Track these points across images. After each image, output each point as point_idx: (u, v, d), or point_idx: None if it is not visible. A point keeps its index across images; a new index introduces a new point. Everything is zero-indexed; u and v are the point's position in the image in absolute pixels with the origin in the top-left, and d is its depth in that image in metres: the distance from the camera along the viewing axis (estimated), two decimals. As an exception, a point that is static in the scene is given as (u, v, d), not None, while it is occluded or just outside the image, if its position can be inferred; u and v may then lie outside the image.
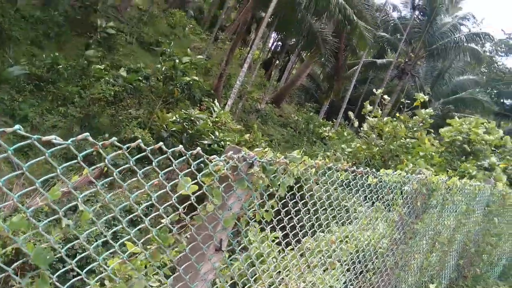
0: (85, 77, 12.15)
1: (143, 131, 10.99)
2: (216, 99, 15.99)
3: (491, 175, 8.53)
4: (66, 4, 15.26)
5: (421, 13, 30.42)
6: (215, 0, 36.08)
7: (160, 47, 18.82)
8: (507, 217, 6.28)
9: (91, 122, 11.48)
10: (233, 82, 19.01)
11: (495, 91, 43.15)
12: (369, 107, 11.16)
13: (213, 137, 9.82)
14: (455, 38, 30.02)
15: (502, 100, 43.39)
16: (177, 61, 12.33)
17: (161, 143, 1.65)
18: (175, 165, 1.76)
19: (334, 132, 10.99)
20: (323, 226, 2.96)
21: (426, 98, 11.25)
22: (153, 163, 1.64)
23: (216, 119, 10.92)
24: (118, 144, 1.51)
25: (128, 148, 1.52)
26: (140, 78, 11.56)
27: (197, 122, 9.62)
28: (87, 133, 1.41)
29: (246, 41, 36.89)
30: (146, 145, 1.57)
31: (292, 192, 2.52)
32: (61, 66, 12.03)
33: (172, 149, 1.76)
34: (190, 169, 1.86)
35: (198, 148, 1.85)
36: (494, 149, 11.72)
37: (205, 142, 9.59)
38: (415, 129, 11.44)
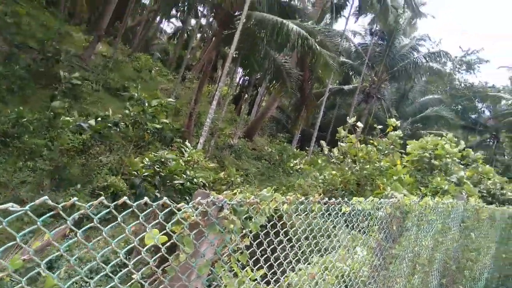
0: (52, 128, 11.96)
1: (116, 177, 10.81)
2: (188, 139, 15.96)
3: (462, 189, 8.72)
4: (28, 58, 15.17)
5: (380, 38, 31.51)
6: (180, 40, 36.58)
7: (127, 91, 18.79)
8: (483, 231, 6.37)
9: (62, 173, 11.24)
10: (204, 120, 19.05)
11: (460, 107, 44.61)
12: (343, 132, 11.35)
13: (185, 176, 9.75)
14: (415, 59, 31.17)
15: (467, 115, 44.83)
16: (146, 105, 12.31)
17: (125, 198, 1.63)
18: (142, 218, 1.74)
19: (306, 162, 11.07)
20: (301, 260, 2.93)
21: (398, 123, 11.49)
22: (119, 219, 1.61)
23: (188, 158, 10.88)
24: (80, 204, 1.48)
25: (90, 206, 1.49)
26: (108, 125, 11.46)
27: (169, 163, 9.55)
28: (46, 197, 1.39)
29: (213, 78, 37.27)
30: (119, 192, 1.54)
31: (266, 230, 2.51)
32: (26, 120, 11.84)
33: (137, 202, 1.73)
34: (158, 220, 1.83)
35: (165, 198, 1.83)
36: (459, 160, 12.04)
37: (178, 182, 9.50)
38: (386, 152, 11.64)
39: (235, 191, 2.31)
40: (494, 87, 43.98)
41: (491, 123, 41.37)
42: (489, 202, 10.50)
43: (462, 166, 11.76)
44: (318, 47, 16.12)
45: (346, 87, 33.31)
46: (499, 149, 42.21)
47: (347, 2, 27.86)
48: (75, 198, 1.48)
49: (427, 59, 31.35)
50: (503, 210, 7.55)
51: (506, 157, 40.18)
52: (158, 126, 11.96)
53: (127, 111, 12.11)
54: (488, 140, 42.01)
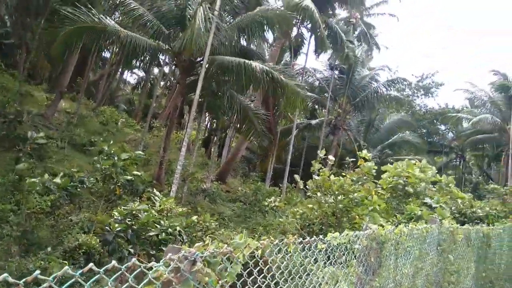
0: (18, 192, 11.59)
1: (88, 235, 10.45)
2: (159, 188, 15.74)
3: (434, 212, 8.84)
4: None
5: (340, 72, 32.48)
6: (144, 90, 36.70)
7: (94, 146, 18.53)
8: (461, 252, 6.43)
9: (30, 238, 10.79)
10: (175, 167, 18.89)
11: (424, 130, 46.01)
12: (317, 165, 11.42)
13: (159, 226, 9.53)
14: (375, 88, 32.25)
15: (431, 138, 46.23)
16: (115, 158, 12.13)
17: (91, 264, 1.58)
18: (111, 283, 1.67)
19: (281, 200, 11.07)
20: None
21: (370, 155, 11.67)
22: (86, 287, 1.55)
23: (160, 207, 10.68)
24: (43, 277, 1.42)
25: (54, 278, 1.43)
26: (76, 182, 11.20)
27: (140, 216, 9.33)
28: (6, 274, 1.32)
29: (181, 124, 37.30)
30: (92, 250, 1.48)
31: (243, 279, 2.45)
32: (-11, 186, 11.44)
33: (105, 267, 1.67)
34: (128, 283, 1.76)
35: (134, 259, 1.77)
36: (432, 185, 12.27)
37: (152, 234, 9.27)
38: (360, 182, 11.76)
39: (206, 241, 2.27)
40: (454, 108, 45.71)
41: (456, 144, 42.67)
42: (462, 222, 10.67)
43: (434, 189, 11.96)
44: (283, 78, 16.45)
45: (313, 122, 33.89)
46: (466, 168, 43.44)
47: (304, 41, 28.75)
48: (38, 272, 1.42)
49: (387, 87, 32.49)
50: (477, 229, 7.67)
51: (473, 175, 41.31)
52: (129, 177, 11.76)
53: (98, 165, 11.89)
54: (455, 160, 43.21)
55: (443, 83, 45.43)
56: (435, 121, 44.71)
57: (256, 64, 15.99)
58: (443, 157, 42.82)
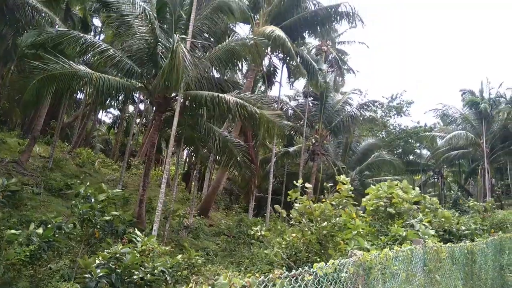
0: (-6, 243, 11.18)
1: (69, 283, 10.09)
2: (140, 227, 15.41)
3: (417, 231, 8.88)
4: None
5: (314, 98, 32.98)
6: (120, 128, 36.44)
7: (71, 189, 18.17)
8: (447, 270, 6.44)
9: (8, 290, 10.36)
10: (155, 204, 18.63)
11: (400, 150, 46.75)
12: (294, 195, 11.39)
13: (143, 268, 9.27)
14: (349, 112, 32.86)
15: (408, 157, 46.95)
16: (93, 200, 11.88)
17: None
18: None
19: (266, 230, 10.97)
20: None
21: (348, 179, 11.72)
22: None
23: (143, 247, 10.43)
24: None
25: None
26: (53, 229, 10.86)
27: (124, 258, 9.08)
28: None
29: (160, 161, 37.00)
30: None
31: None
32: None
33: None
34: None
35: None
36: (415, 205, 12.36)
37: (136, 277, 9.00)
38: (340, 207, 11.76)
39: (190, 285, 2.22)
40: (426, 126, 46.72)
41: (432, 161, 43.41)
42: (447, 239, 10.74)
43: (416, 208, 12.04)
44: (257, 110, 16.55)
45: (291, 149, 34.11)
46: (445, 184, 44.10)
47: (277, 70, 29.23)
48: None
49: (360, 110, 33.17)
50: (461, 246, 7.73)
51: (452, 191, 41.87)
52: (107, 218, 11.49)
53: (76, 209, 11.60)
54: (433, 177, 43.85)
55: (413, 101, 46.59)
56: (410, 140, 45.54)
57: (229, 97, 16.10)
58: (422, 175, 43.43)
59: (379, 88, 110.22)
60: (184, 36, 16.18)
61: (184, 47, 15.03)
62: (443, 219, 12.15)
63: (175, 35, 14.80)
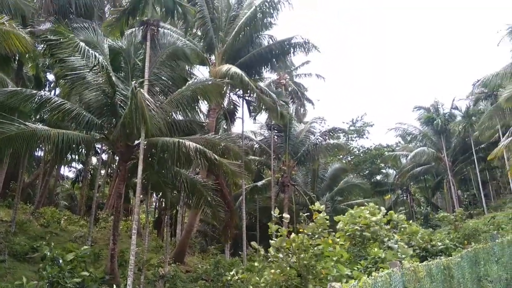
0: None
1: None
2: (114, 283, 14.80)
3: (396, 252, 8.91)
4: None
5: (278, 131, 33.30)
6: (84, 182, 35.49)
7: (38, 252, 17.37)
8: (428, 290, 6.45)
9: None
10: (128, 257, 18.00)
11: (367, 172, 47.52)
12: (274, 227, 11.27)
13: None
14: (313, 141, 33.36)
15: (375, 178, 47.71)
16: (61, 261, 11.38)
17: None
18: None
19: (245, 269, 10.75)
20: None
21: (322, 207, 11.69)
22: None
23: (119, 305, 10.00)
24: None
25: None
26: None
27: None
28: None
29: (129, 210, 36.09)
30: None
31: None
32: None
33: None
34: None
35: None
36: (386, 225, 12.46)
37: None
38: (317, 236, 11.70)
39: None
40: (388, 146, 47.87)
41: (399, 180, 44.30)
42: (423, 257, 10.82)
43: (387, 227, 12.13)
44: (217, 157, 16.61)
45: (260, 183, 34.09)
46: (414, 201, 44.92)
47: (237, 107, 29.49)
48: None
49: (324, 137, 33.78)
50: (436, 262, 7.77)
51: (422, 207, 42.69)
52: (78, 280, 11.00)
53: (44, 273, 11.06)
54: (402, 195, 44.65)
55: (373, 123, 47.79)
56: (375, 161, 46.43)
57: (189, 143, 16.09)
58: (391, 194, 44.15)
59: (342, 109, 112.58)
60: (142, 79, 16.16)
61: (142, 95, 14.97)
62: (417, 236, 12.28)
63: (132, 82, 14.79)
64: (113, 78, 16.80)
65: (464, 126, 38.20)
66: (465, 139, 38.76)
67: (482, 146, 36.89)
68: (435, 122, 39.75)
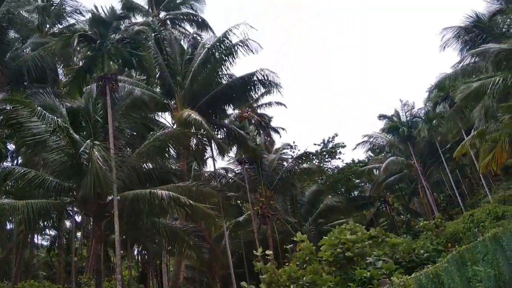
0: None
1: None
2: None
3: (381, 270, 8.95)
4: None
5: (249, 163, 33.28)
6: (60, 248, 34.25)
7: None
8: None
9: None
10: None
11: (343, 190, 47.90)
12: (258, 265, 11.14)
13: None
14: (286, 168, 33.51)
15: (352, 194, 48.11)
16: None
17: None
18: None
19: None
20: None
21: (305, 236, 11.63)
22: None
23: None
24: None
25: None
26: None
27: None
28: None
29: (111, 268, 35.01)
30: None
31: None
32: None
33: None
34: None
35: None
36: (369, 240, 12.50)
37: None
38: (305, 265, 11.62)
39: None
40: (360, 161, 48.53)
41: (375, 192, 44.80)
42: (411, 268, 10.87)
43: (369, 242, 12.16)
44: (192, 203, 16.52)
45: (241, 219, 33.84)
46: (393, 210, 45.38)
47: (206, 147, 29.42)
48: None
49: (296, 163, 34.04)
50: (425, 272, 7.82)
51: (402, 216, 43.18)
52: None
53: None
54: (381, 207, 45.05)
55: (344, 144, 48.49)
56: (349, 178, 46.88)
57: (162, 192, 15.99)
58: (370, 208, 44.50)
59: (312, 128, 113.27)
60: (96, 142, 15.96)
61: (105, 150, 14.87)
62: (396, 246, 12.35)
63: (88, 141, 14.74)
64: (76, 138, 16.59)
65: (428, 130, 39.24)
66: (431, 142, 39.75)
67: (448, 147, 37.87)
68: (400, 130, 40.70)
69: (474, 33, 25.62)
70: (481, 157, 25.02)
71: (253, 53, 24.83)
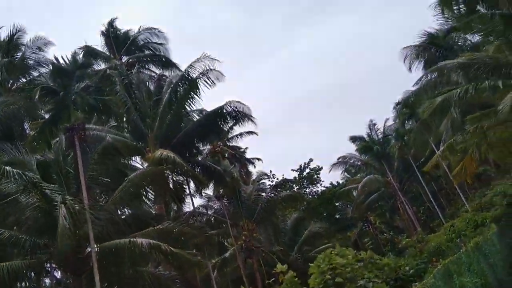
0: None
1: None
2: None
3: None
4: None
5: (229, 198, 33.04)
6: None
7: None
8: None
9: None
10: None
11: (325, 213, 47.98)
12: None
13: None
14: (265, 198, 33.45)
15: (335, 218, 48.21)
16: None
17: None
18: None
19: None
20: None
21: (285, 267, 11.47)
22: None
23: None
24: None
25: None
26: None
27: None
28: None
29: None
30: None
31: None
32: None
33: None
34: None
35: None
36: (359, 262, 12.49)
37: None
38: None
39: None
40: (339, 183, 48.96)
41: (356, 213, 45.08)
42: (399, 286, 10.89)
43: (360, 265, 12.14)
44: (173, 249, 16.26)
45: (227, 255, 33.33)
46: (376, 229, 45.60)
47: (183, 186, 29.16)
48: None
49: (275, 192, 34.03)
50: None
51: (385, 234, 43.40)
52: None
53: None
54: (364, 227, 45.28)
55: (321, 167, 48.86)
56: (330, 201, 47.09)
57: (142, 241, 15.69)
58: (354, 229, 44.67)
59: (289, 153, 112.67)
60: (67, 197, 15.60)
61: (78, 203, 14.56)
62: (386, 266, 12.37)
63: (60, 197, 14.43)
64: (47, 194, 16.20)
65: (399, 146, 40.04)
66: (404, 158, 40.49)
67: (422, 160, 38.58)
68: (374, 149, 41.40)
69: (432, 50, 26.76)
70: (453, 168, 25.59)
71: (214, 84, 25.00)
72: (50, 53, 29.91)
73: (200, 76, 24.91)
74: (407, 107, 33.45)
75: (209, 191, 34.09)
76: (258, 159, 43.32)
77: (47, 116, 23.31)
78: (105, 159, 19.42)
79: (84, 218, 15.60)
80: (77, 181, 17.42)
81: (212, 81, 24.89)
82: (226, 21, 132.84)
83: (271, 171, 44.11)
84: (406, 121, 37.77)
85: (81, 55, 31.39)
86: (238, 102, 26.80)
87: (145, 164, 25.54)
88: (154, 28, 37.82)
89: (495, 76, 18.67)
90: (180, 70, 33.65)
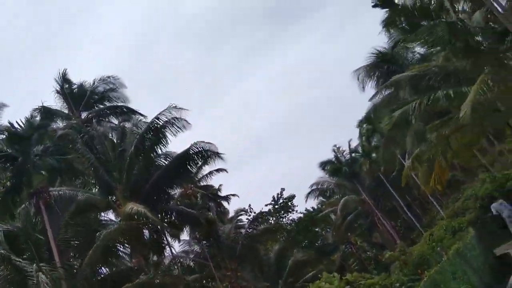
0: None
1: None
2: None
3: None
4: None
5: (206, 241, 32.52)
6: None
7: None
8: None
9: None
10: None
11: (306, 241, 47.78)
12: None
13: None
14: (245, 234, 33.19)
15: (316, 243, 48.02)
16: None
17: None
18: None
19: None
20: None
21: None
22: None
23: None
24: None
25: None
26: None
27: None
28: None
29: None
30: None
31: None
32: None
33: None
34: None
35: None
36: (347, 286, 12.40)
37: None
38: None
39: None
40: (315, 209, 48.99)
41: (338, 235, 45.07)
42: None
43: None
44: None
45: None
46: (359, 249, 45.65)
47: (160, 235, 28.50)
48: None
49: (253, 227, 33.86)
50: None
51: (368, 252, 43.44)
52: None
53: None
54: (346, 249, 45.24)
55: (294, 195, 48.85)
56: (308, 228, 47.03)
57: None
58: (337, 253, 44.57)
59: (262, 184, 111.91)
60: (41, 264, 14.97)
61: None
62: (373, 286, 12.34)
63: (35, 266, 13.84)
64: (18, 265, 15.49)
65: (369, 163, 40.65)
66: (374, 174, 41.06)
67: (394, 174, 39.13)
68: (343, 170, 41.87)
69: (383, 67, 27.68)
70: (421, 177, 25.98)
71: (182, 131, 24.96)
72: (4, 118, 28.98)
73: (167, 125, 24.85)
74: (369, 123, 34.19)
75: (185, 235, 33.48)
76: (233, 195, 42.85)
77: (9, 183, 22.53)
78: (75, 219, 18.89)
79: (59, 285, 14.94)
80: (48, 246, 16.75)
81: (179, 128, 24.88)
82: (185, 59, 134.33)
83: (250, 205, 43.84)
84: (370, 138, 38.51)
85: (38, 117, 30.71)
86: (203, 142, 26.73)
87: (118, 218, 24.89)
88: (110, 77, 37.00)
89: (446, 85, 19.32)
90: (142, 115, 33.32)
